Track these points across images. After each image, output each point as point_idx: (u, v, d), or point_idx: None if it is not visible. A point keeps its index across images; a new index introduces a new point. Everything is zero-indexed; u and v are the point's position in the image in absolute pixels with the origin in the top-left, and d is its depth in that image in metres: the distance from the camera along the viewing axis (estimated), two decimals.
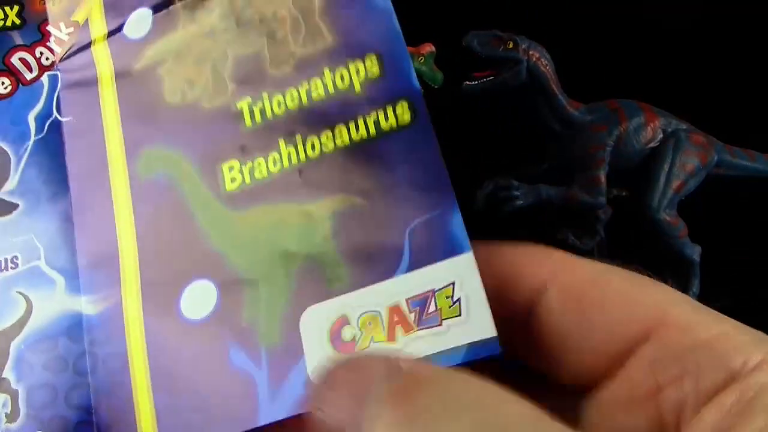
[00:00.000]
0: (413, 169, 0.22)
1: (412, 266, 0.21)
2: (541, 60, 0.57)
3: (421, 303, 0.21)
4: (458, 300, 0.20)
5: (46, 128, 0.27)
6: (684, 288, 0.57)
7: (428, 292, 0.21)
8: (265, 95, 0.25)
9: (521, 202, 0.56)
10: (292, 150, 0.24)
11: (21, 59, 0.28)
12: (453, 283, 0.21)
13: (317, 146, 0.24)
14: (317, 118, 0.24)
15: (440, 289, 0.21)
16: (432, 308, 0.21)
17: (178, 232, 0.24)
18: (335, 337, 0.21)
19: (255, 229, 0.23)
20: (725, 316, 0.18)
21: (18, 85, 0.28)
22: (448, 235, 0.21)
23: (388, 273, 0.21)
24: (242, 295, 0.23)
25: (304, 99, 0.24)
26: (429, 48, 0.57)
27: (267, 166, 0.24)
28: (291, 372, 0.22)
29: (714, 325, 0.17)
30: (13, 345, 0.24)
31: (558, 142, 0.59)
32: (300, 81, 0.24)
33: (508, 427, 0.14)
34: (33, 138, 0.27)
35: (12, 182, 0.27)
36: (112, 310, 0.24)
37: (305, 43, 0.25)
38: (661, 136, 0.57)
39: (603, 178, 0.56)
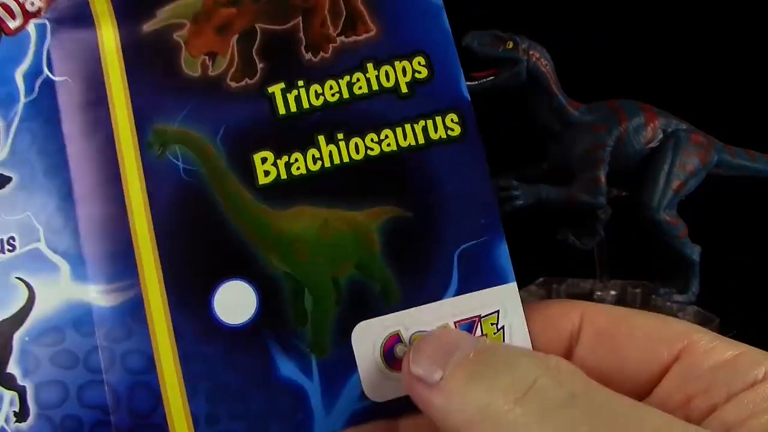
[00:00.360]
0: (462, 189, 0.23)
1: (461, 290, 0.22)
2: (541, 60, 0.57)
3: (468, 326, 0.22)
4: (502, 328, 0.22)
5: (36, 89, 0.24)
6: (684, 288, 0.57)
7: (475, 317, 0.22)
8: (300, 83, 0.23)
9: (521, 202, 0.56)
10: (334, 149, 0.23)
11: (2, 4, 0.24)
12: (498, 311, 0.22)
13: (362, 149, 0.23)
14: (360, 117, 0.23)
15: (486, 316, 0.22)
16: (478, 332, 0.22)
17: (202, 222, 0.23)
18: (388, 353, 0.22)
19: (297, 231, 0.22)
20: (740, 342, 0.21)
21: (0, 35, 0.24)
22: (494, 264, 0.22)
23: (438, 294, 0.22)
24: (285, 301, 0.22)
25: (345, 93, 0.23)
26: None
27: (306, 163, 0.23)
28: (345, 385, 0.22)
29: (733, 348, 0.20)
30: (17, 337, 0.22)
31: (558, 142, 0.59)
32: (340, 72, 0.23)
33: (556, 369, 0.19)
34: (23, 100, 0.23)
35: (2, 152, 0.23)
36: (130, 304, 0.22)
37: (345, 30, 0.23)
38: (661, 136, 0.57)
39: (603, 178, 0.56)
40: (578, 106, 0.58)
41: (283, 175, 0.23)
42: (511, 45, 0.56)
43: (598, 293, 0.60)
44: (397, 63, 0.23)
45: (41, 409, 0.22)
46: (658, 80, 0.61)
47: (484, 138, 0.23)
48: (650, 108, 0.58)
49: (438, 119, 0.23)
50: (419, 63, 0.23)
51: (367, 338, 0.22)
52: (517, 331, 0.22)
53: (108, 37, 0.24)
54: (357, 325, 0.22)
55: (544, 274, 0.62)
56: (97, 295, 0.23)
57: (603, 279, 0.61)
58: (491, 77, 0.57)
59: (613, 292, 0.60)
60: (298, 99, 0.23)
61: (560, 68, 0.57)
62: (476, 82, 0.56)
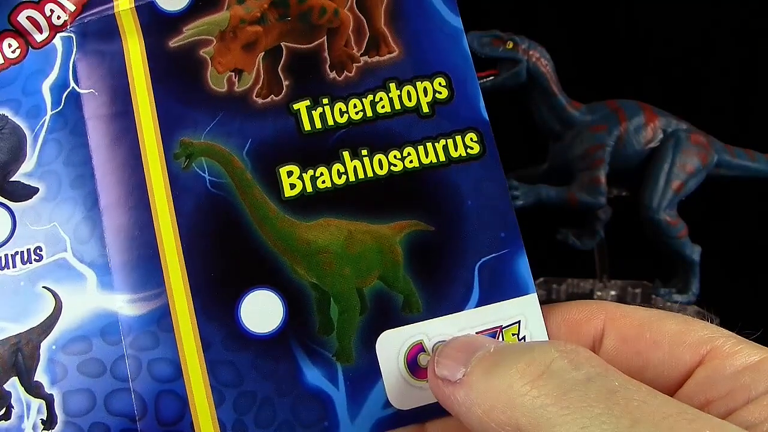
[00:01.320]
0: (482, 204, 0.23)
1: (482, 302, 0.23)
2: (541, 60, 0.57)
3: (490, 337, 0.23)
4: (523, 338, 0.23)
5: (63, 101, 0.24)
6: (684, 288, 0.57)
7: (496, 327, 0.23)
8: (324, 100, 0.24)
9: (521, 202, 0.56)
10: (358, 164, 0.23)
11: (29, 18, 0.24)
12: (519, 322, 0.23)
13: (385, 165, 0.24)
14: (384, 135, 0.24)
15: (507, 326, 0.23)
16: None
17: (228, 233, 0.23)
18: (412, 362, 0.23)
19: (322, 242, 0.23)
20: (763, 346, 0.21)
21: (28, 48, 0.24)
22: (514, 276, 0.23)
23: (460, 306, 0.23)
24: (312, 311, 0.23)
25: (369, 112, 0.24)
26: None
27: (331, 177, 0.23)
28: (370, 393, 0.23)
29: (757, 352, 0.20)
30: (44, 346, 0.23)
31: (558, 142, 0.59)
32: (364, 91, 0.24)
33: (573, 352, 0.19)
34: (49, 112, 0.24)
35: (30, 163, 0.24)
36: (157, 313, 0.23)
37: (368, 50, 0.24)
38: (661, 136, 0.57)
39: (603, 178, 0.56)
40: (578, 106, 0.58)
41: (309, 189, 0.23)
42: (511, 45, 0.56)
43: (598, 293, 0.60)
44: (418, 83, 0.24)
45: (69, 416, 0.22)
46: (658, 80, 0.61)
47: None
48: (650, 108, 0.58)
49: (458, 138, 0.24)
50: (440, 84, 0.24)
51: (392, 347, 0.23)
52: (537, 338, 0.23)
53: (134, 50, 0.24)
54: (381, 335, 0.23)
55: (544, 274, 0.62)
56: (123, 304, 0.23)
57: (603, 279, 0.61)
58: (491, 77, 0.57)
59: (613, 292, 0.60)
60: (323, 116, 0.24)
61: (560, 68, 0.57)
62: None
